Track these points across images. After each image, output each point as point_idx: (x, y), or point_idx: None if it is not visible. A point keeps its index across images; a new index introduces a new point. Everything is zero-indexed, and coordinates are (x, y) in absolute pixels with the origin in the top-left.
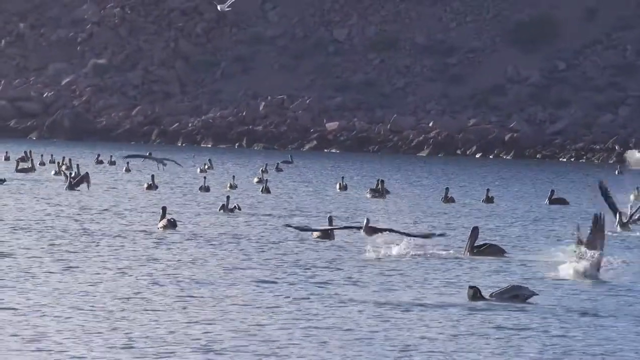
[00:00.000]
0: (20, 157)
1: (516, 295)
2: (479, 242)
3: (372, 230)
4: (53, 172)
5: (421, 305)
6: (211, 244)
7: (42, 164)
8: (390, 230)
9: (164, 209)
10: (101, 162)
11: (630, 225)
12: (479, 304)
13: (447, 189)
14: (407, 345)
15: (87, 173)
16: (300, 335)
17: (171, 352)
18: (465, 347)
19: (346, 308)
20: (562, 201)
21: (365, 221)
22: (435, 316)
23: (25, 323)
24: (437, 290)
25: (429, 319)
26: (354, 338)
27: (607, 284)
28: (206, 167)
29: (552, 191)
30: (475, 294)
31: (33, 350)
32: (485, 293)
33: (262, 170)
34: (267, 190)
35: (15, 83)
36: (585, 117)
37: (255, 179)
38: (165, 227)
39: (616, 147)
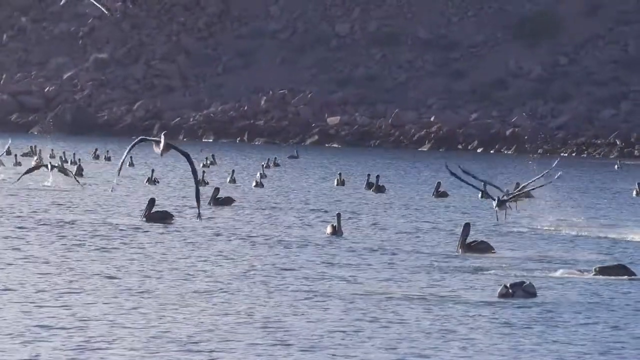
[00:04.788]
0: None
1: (533, 292)
2: (469, 239)
3: (168, 147)
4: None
5: (434, 299)
6: (199, 237)
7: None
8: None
9: (151, 200)
10: (98, 156)
11: (507, 204)
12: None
13: (438, 183)
14: (402, 339)
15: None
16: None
17: (159, 346)
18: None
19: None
20: (527, 194)
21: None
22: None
23: (18, 315)
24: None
25: (451, 314)
26: (354, 331)
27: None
28: (209, 162)
29: (518, 184)
30: (505, 295)
31: (23, 343)
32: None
33: (263, 165)
34: (260, 184)
35: (17, 77)
36: (587, 112)
37: (258, 174)
38: (149, 218)
39: (617, 142)
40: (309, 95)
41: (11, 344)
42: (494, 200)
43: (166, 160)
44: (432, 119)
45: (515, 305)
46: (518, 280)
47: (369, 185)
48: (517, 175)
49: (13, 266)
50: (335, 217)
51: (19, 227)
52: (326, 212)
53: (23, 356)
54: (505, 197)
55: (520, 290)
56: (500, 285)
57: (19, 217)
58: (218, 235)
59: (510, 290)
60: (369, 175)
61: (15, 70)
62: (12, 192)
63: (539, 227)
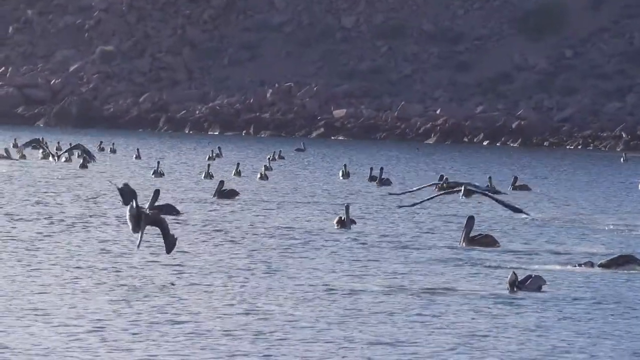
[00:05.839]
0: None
1: (540, 285)
2: (473, 232)
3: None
4: (40, 156)
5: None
6: (202, 230)
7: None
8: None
9: (156, 192)
10: (103, 149)
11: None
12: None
13: (441, 176)
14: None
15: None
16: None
17: (160, 336)
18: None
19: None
20: (524, 187)
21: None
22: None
23: (20, 304)
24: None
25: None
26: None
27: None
28: (215, 154)
29: (516, 178)
30: (514, 282)
31: (26, 334)
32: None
33: (269, 158)
34: (265, 177)
35: (22, 70)
36: (593, 105)
37: (263, 167)
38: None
39: (623, 135)
40: (315, 88)
41: (16, 340)
42: (460, 190)
43: (172, 153)
44: (438, 111)
45: (522, 298)
46: (525, 274)
47: (372, 178)
48: (519, 170)
49: (13, 262)
50: (344, 209)
51: (22, 219)
52: (330, 204)
53: (30, 349)
54: (471, 188)
55: (528, 283)
56: (510, 273)
57: (24, 208)
58: (221, 228)
59: (518, 284)
60: (371, 168)
61: (21, 63)
62: (20, 184)
63: (544, 220)
